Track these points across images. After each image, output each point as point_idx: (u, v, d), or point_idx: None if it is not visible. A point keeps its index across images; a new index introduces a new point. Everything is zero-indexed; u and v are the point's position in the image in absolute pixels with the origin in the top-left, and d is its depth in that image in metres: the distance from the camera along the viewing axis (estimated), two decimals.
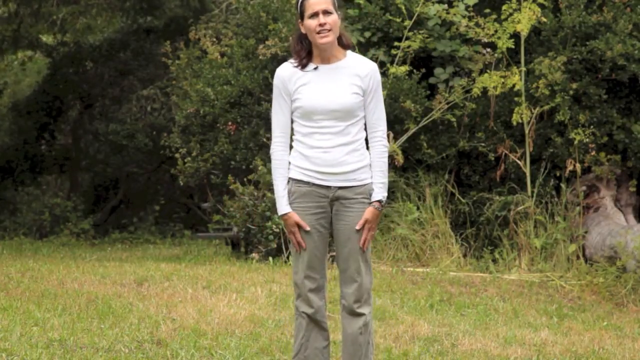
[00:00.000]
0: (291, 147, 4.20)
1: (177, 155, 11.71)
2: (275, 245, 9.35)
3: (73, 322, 5.75)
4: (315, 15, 4.01)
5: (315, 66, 4.10)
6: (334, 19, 4.03)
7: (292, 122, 4.17)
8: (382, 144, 4.14)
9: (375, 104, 4.13)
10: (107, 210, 19.92)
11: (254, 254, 9.53)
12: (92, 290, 7.04)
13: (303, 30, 4.09)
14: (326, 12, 4.01)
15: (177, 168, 11.72)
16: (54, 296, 6.72)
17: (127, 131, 18.89)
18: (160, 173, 19.80)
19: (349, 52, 4.16)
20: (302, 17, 4.07)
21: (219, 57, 12.46)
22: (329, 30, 4.02)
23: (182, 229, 18.40)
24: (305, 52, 4.11)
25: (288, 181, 4.15)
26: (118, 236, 17.04)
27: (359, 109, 4.09)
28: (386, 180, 4.13)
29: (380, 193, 4.11)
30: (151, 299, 6.72)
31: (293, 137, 4.17)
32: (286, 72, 4.13)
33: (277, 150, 4.14)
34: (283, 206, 4.11)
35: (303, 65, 4.10)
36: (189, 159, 11.48)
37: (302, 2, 4.06)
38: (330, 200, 4.11)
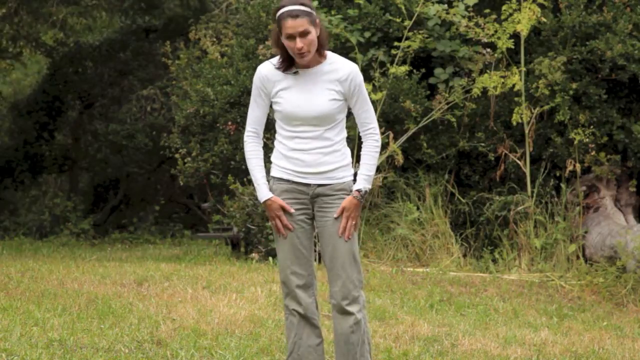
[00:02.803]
0: (271, 145, 4.22)
1: (177, 155, 11.72)
2: (275, 245, 9.34)
3: (73, 322, 5.75)
4: (291, 37, 3.97)
5: (296, 70, 4.09)
6: (310, 39, 3.97)
7: (268, 118, 4.20)
8: (374, 139, 4.15)
9: (362, 104, 4.13)
10: (107, 210, 19.94)
11: (254, 254, 9.53)
12: (92, 290, 7.04)
13: (282, 40, 4.04)
14: (303, 34, 3.95)
15: (177, 168, 11.73)
16: (54, 296, 6.71)
17: (127, 131, 18.90)
18: (160, 173, 19.82)
19: (328, 53, 4.13)
20: (280, 31, 4.01)
21: (219, 57, 12.47)
22: (307, 52, 3.99)
23: (182, 229, 18.41)
24: (286, 55, 4.07)
25: (269, 179, 4.18)
26: (118, 236, 17.04)
27: (337, 113, 4.10)
28: (371, 174, 4.13)
29: (361, 183, 4.11)
30: (151, 299, 6.72)
31: (275, 136, 4.19)
32: (267, 72, 4.11)
33: (248, 142, 4.19)
34: (264, 192, 4.13)
35: (285, 68, 4.09)
36: (189, 159, 11.48)
37: (279, 19, 3.99)
38: (310, 198, 4.13)
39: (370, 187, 4.14)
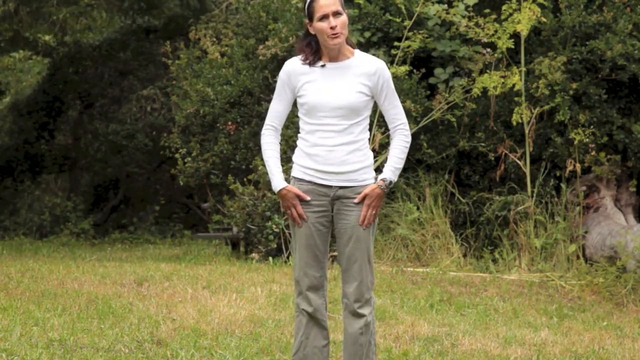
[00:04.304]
0: (293, 143, 4.22)
1: (177, 155, 11.72)
2: (275, 245, 9.35)
3: (73, 322, 5.75)
4: (325, 17, 4.01)
5: (323, 64, 4.10)
6: (343, 19, 4.03)
7: (290, 114, 4.20)
8: (404, 134, 4.15)
9: (390, 100, 4.14)
10: (107, 210, 19.94)
11: (254, 254, 9.53)
12: (92, 290, 7.04)
13: (312, 31, 4.09)
14: (336, 14, 4.01)
15: (177, 168, 11.73)
16: (54, 296, 6.72)
17: (127, 131, 18.90)
18: (160, 173, 19.81)
19: (356, 50, 4.16)
20: (311, 18, 4.07)
21: (219, 57, 12.48)
22: (340, 32, 4.02)
23: (182, 229, 18.41)
24: (312, 51, 4.11)
25: (291, 179, 4.17)
26: (118, 236, 17.05)
27: (363, 109, 4.09)
28: (399, 167, 4.13)
29: (388, 173, 4.11)
30: (151, 299, 6.72)
31: (298, 135, 4.18)
32: (293, 67, 4.14)
33: (266, 135, 4.20)
34: (279, 181, 4.12)
35: (311, 62, 4.10)
36: (189, 159, 11.48)
37: (310, 3, 4.05)
38: (331, 199, 4.12)
39: (395, 179, 4.13)
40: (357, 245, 4.10)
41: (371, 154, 4.16)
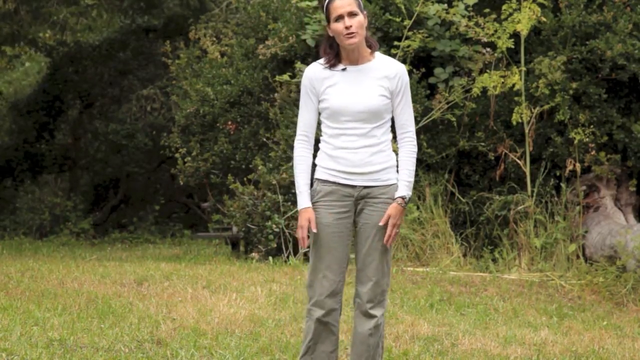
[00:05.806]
0: (317, 147, 4.20)
1: (177, 155, 11.72)
2: (275, 245, 9.35)
3: (73, 322, 5.75)
4: (340, 17, 4.01)
5: (344, 67, 4.10)
6: (359, 20, 4.03)
7: (319, 122, 4.18)
8: (412, 144, 4.14)
9: (404, 105, 4.12)
10: (107, 210, 19.94)
11: (254, 254, 9.53)
12: (92, 290, 7.04)
13: (331, 34, 4.09)
14: (351, 14, 4.02)
15: (177, 168, 11.73)
16: (54, 296, 6.72)
17: (127, 131, 18.91)
18: (160, 173, 19.82)
19: (377, 53, 4.16)
20: (328, 20, 4.08)
21: (219, 56, 12.48)
22: (355, 32, 4.02)
23: (182, 229, 18.42)
24: (334, 54, 4.11)
25: (314, 181, 4.16)
26: (118, 236, 17.05)
27: (385, 111, 4.09)
28: (412, 180, 4.12)
29: (404, 190, 4.10)
30: (151, 298, 6.72)
31: (320, 138, 4.17)
32: (314, 72, 4.13)
33: (298, 147, 4.16)
34: (302, 200, 4.10)
35: (331, 66, 4.10)
36: (189, 158, 11.48)
37: (327, 6, 4.06)
38: (355, 200, 4.11)
39: (411, 193, 4.13)
40: (375, 245, 4.09)
41: (394, 155, 4.15)
